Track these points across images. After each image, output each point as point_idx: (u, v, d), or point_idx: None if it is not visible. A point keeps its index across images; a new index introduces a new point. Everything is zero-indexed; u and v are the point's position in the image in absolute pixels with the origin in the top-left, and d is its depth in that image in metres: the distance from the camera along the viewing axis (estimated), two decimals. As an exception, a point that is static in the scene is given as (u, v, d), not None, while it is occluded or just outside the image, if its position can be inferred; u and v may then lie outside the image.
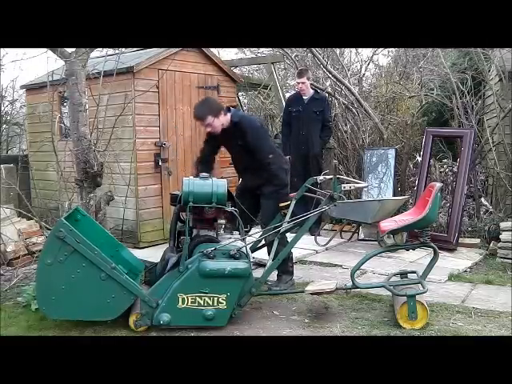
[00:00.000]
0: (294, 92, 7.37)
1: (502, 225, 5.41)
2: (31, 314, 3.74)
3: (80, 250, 3.26)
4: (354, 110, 7.90)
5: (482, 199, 6.63)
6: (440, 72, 8.20)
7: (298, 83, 6.47)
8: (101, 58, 5.41)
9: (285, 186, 4.22)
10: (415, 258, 5.21)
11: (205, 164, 4.25)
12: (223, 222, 3.80)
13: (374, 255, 3.73)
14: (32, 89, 6.94)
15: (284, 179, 4.22)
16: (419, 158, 6.53)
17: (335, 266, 5.13)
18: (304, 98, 6.44)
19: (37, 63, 4.80)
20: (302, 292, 3.90)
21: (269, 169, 4.10)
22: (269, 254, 3.98)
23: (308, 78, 6.42)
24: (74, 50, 4.18)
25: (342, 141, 7.83)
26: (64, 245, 3.24)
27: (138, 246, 5.72)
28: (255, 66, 10.59)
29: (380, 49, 9.22)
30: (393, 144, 7.29)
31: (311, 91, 6.48)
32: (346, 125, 7.89)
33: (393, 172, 6.46)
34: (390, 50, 9.76)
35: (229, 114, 4.11)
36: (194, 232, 3.80)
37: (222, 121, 4.06)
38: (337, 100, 7.97)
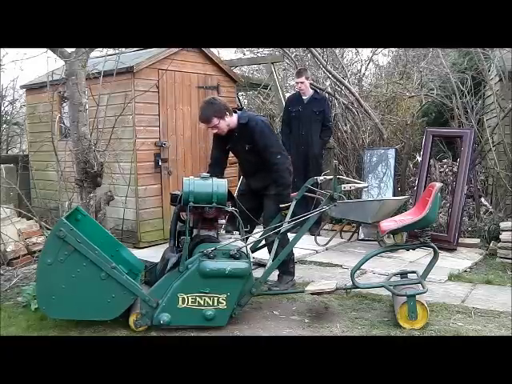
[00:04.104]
0: (294, 92, 7.38)
1: (502, 225, 5.41)
2: (31, 314, 3.74)
3: (80, 250, 3.26)
4: (354, 110, 7.90)
5: (482, 199, 6.63)
6: (440, 72, 8.20)
7: (297, 83, 6.48)
8: (101, 58, 5.41)
9: (288, 187, 4.21)
10: (415, 258, 5.21)
11: (216, 166, 4.24)
12: (223, 221, 3.80)
13: (374, 255, 3.73)
14: (32, 89, 6.94)
15: (288, 180, 4.20)
16: (419, 158, 6.53)
17: (335, 265, 5.13)
18: (304, 98, 6.44)
19: (37, 63, 4.80)
20: (302, 292, 3.90)
21: (276, 169, 4.09)
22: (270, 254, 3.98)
23: (307, 78, 6.42)
24: (73, 50, 4.18)
25: (342, 141, 7.83)
26: (64, 244, 3.24)
27: (137, 246, 5.72)
28: (255, 65, 10.58)
29: (380, 49, 9.24)
30: (393, 144, 7.29)
31: (311, 91, 6.48)
32: (345, 125, 7.89)
33: (393, 172, 6.46)
34: (390, 49, 9.77)
35: (235, 116, 4.06)
36: (194, 232, 3.80)
37: (228, 122, 4.02)
38: (337, 100, 7.97)
